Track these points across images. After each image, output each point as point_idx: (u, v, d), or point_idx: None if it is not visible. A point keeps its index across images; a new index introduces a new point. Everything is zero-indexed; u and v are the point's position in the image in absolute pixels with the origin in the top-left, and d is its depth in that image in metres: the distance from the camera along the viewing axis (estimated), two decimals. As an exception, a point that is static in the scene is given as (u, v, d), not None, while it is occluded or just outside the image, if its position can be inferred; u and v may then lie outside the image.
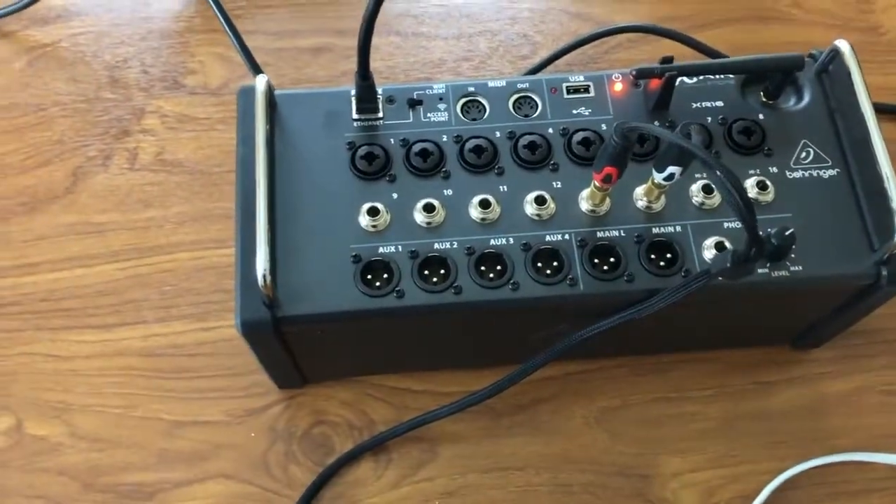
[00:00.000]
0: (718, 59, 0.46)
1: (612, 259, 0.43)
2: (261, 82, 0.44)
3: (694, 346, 0.51)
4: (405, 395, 0.51)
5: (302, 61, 0.61)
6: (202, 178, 0.57)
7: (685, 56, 0.61)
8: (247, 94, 0.45)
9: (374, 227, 0.42)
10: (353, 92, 0.46)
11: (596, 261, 0.42)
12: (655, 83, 0.45)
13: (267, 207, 0.41)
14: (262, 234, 0.40)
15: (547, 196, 0.43)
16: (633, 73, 0.45)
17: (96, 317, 0.52)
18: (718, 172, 0.33)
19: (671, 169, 0.39)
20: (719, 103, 0.46)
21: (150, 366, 0.51)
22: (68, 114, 0.58)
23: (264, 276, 0.39)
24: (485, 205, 0.43)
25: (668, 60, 0.45)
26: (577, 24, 0.63)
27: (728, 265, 0.36)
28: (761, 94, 0.47)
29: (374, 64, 0.61)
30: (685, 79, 0.46)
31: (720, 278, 0.38)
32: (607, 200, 0.43)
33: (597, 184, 0.41)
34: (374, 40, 0.61)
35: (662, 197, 0.43)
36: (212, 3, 0.56)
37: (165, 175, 0.57)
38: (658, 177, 0.40)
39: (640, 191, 0.43)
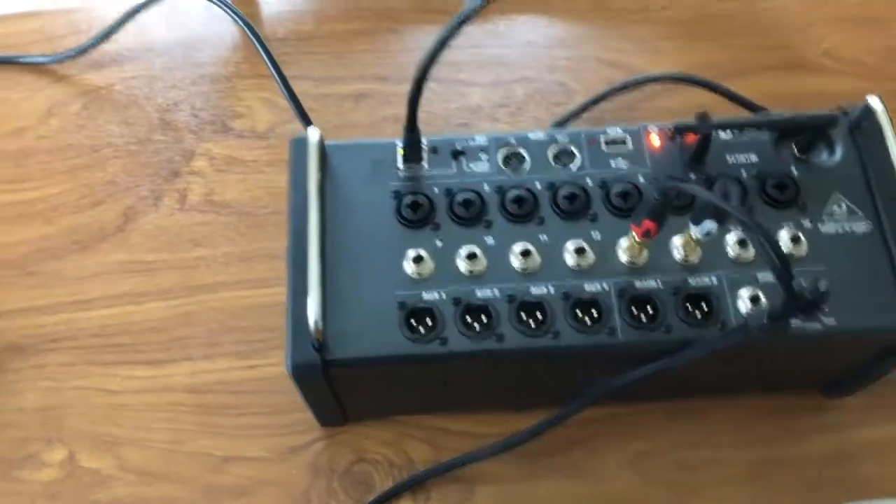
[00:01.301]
0: (753, 116, 0.47)
1: (650, 309, 0.44)
2: (313, 135, 0.46)
3: (726, 390, 0.52)
4: (443, 435, 0.52)
5: (345, 107, 0.63)
6: (249, 219, 0.59)
7: (718, 104, 0.62)
8: (299, 145, 0.47)
9: (418, 274, 0.44)
10: (398, 143, 0.48)
11: (634, 311, 0.44)
12: (692, 137, 0.47)
13: (319, 255, 0.43)
14: (315, 281, 0.42)
15: (586, 246, 0.45)
16: (671, 128, 0.46)
17: (146, 353, 0.54)
18: (758, 236, 0.34)
19: (709, 225, 0.40)
20: (753, 157, 0.48)
21: (197, 402, 0.53)
22: (121, 155, 0.61)
23: (316, 322, 0.41)
24: (526, 254, 0.44)
25: (704, 116, 0.46)
26: (612, 72, 0.65)
27: (765, 322, 0.37)
28: (794, 148, 0.48)
29: (415, 109, 0.63)
30: (721, 133, 0.48)
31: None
32: (645, 251, 0.45)
33: (636, 237, 0.43)
34: (414, 86, 0.64)
35: (699, 248, 0.45)
36: (262, 51, 0.58)
37: (213, 216, 0.59)
38: (695, 231, 0.42)
39: (677, 242, 0.45)
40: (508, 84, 0.64)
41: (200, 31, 0.66)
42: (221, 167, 0.61)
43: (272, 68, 0.58)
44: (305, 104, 0.60)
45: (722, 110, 0.62)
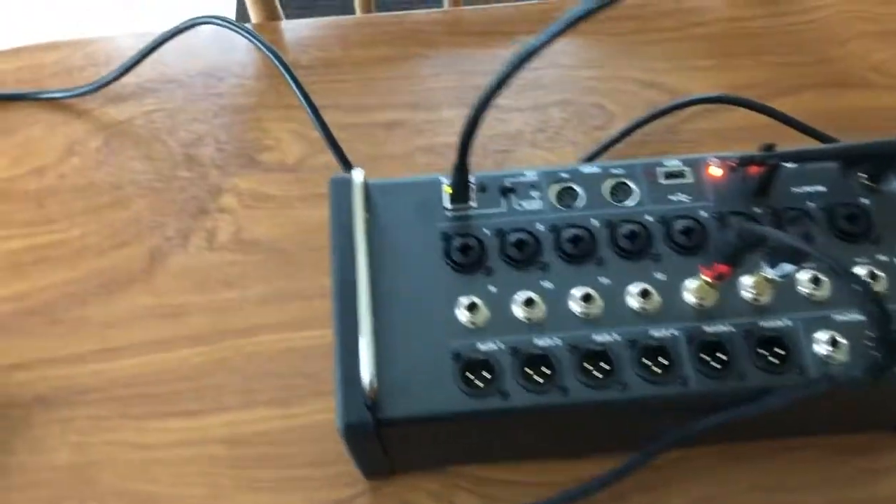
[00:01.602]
0: (822, 147, 0.45)
1: (721, 355, 0.41)
2: (358, 176, 0.43)
3: (797, 432, 0.50)
4: (494, 486, 0.49)
5: (376, 137, 0.60)
6: (281, 258, 0.56)
7: (762, 124, 0.60)
8: (340, 185, 0.45)
9: (473, 322, 0.42)
10: (443, 181, 0.45)
11: (705, 357, 0.41)
12: (756, 168, 0.44)
13: (370, 306, 0.40)
14: (367, 335, 0.40)
15: (651, 289, 0.42)
16: (736, 160, 0.44)
17: (179, 403, 0.52)
18: (855, 285, 0.32)
19: (787, 268, 0.38)
20: (820, 187, 0.45)
21: (234, 454, 0.50)
22: (145, 193, 0.58)
23: (371, 381, 0.39)
24: (587, 299, 0.42)
25: (769, 147, 0.44)
26: (650, 92, 0.62)
27: (859, 375, 0.35)
28: (863, 176, 0.46)
29: (451, 139, 0.60)
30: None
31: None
32: (714, 292, 0.42)
33: (707, 279, 0.40)
34: (449, 113, 0.61)
35: (770, 288, 0.42)
36: (291, 81, 0.56)
37: (243, 255, 0.56)
38: (771, 273, 0.39)
39: (747, 282, 0.42)
40: (546, 108, 0.62)
41: (221, 60, 0.63)
42: (250, 203, 0.58)
43: (303, 99, 0.56)
44: (335, 134, 0.58)
45: (767, 131, 0.60)
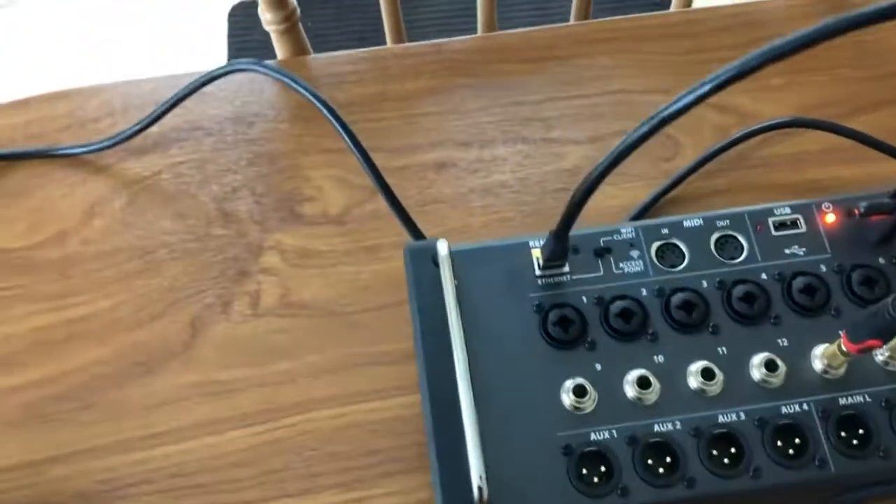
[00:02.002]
0: (956, 188, 0.40)
1: (860, 430, 0.37)
2: (443, 248, 0.39)
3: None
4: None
5: (426, 179, 0.55)
6: (334, 321, 0.51)
7: (842, 146, 0.55)
8: (416, 255, 0.40)
9: (580, 408, 0.37)
10: (531, 243, 0.40)
11: (843, 434, 0.37)
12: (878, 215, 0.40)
13: (471, 397, 0.36)
14: (473, 434, 0.35)
15: (776, 359, 0.38)
16: (862, 209, 0.39)
17: (235, 492, 0.47)
18: None
19: (945, 338, 0.34)
20: (949, 231, 0.41)
21: (302, 548, 0.46)
22: (178, 256, 0.53)
23: (480, 487, 0.34)
24: (708, 375, 0.37)
25: (898, 193, 0.39)
26: (720, 117, 0.58)
27: None
28: None
29: (507, 177, 0.56)
30: (904, 203, 0.41)
31: None
32: (844, 359, 0.38)
33: (845, 348, 0.36)
34: (503, 150, 0.57)
35: (908, 352, 0.38)
36: (335, 122, 0.50)
37: (292, 319, 0.51)
38: (920, 341, 0.35)
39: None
40: (606, 139, 0.57)
41: (250, 103, 0.58)
42: (295, 261, 0.53)
43: (351, 143, 0.50)
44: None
45: (847, 154, 0.56)
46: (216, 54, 1.60)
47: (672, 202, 0.54)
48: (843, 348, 0.36)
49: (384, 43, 0.80)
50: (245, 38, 1.46)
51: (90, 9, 1.70)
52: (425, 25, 1.52)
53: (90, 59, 1.63)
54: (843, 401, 0.37)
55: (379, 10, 0.75)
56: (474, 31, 0.76)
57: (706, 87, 0.27)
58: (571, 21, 0.74)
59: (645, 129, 0.29)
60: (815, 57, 0.59)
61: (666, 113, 0.29)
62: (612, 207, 0.54)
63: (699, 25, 0.61)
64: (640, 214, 0.52)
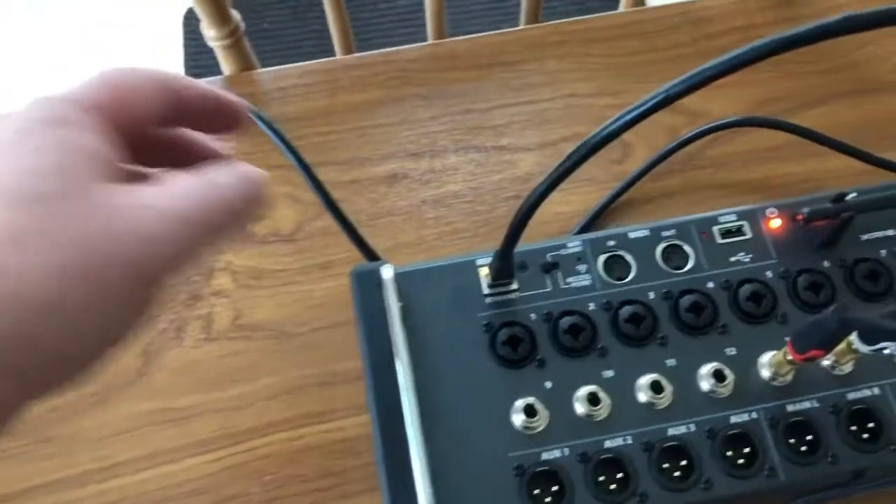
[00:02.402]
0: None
1: (808, 436, 0.37)
2: (387, 272, 0.38)
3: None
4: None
5: (378, 193, 0.55)
6: (288, 342, 0.51)
7: (791, 142, 0.56)
8: (362, 279, 0.40)
9: (532, 428, 0.37)
10: (478, 260, 0.40)
11: (792, 441, 0.37)
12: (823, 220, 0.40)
13: (419, 423, 0.35)
14: (420, 459, 0.35)
15: (724, 368, 0.38)
16: (805, 215, 0.39)
17: (194, 521, 0.46)
18: None
19: (886, 345, 0.34)
20: (891, 232, 0.41)
21: (264, 574, 0.45)
22: (128, 281, 0.52)
23: (429, 517, 0.34)
24: (655, 387, 0.37)
25: (840, 198, 0.39)
26: (669, 117, 0.58)
27: None
28: (933, 213, 0.42)
29: (459, 187, 0.55)
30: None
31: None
32: (791, 365, 0.38)
33: (790, 357, 0.36)
34: (454, 159, 0.56)
35: (853, 357, 0.38)
36: (279, 142, 0.50)
37: (245, 342, 0.51)
38: (865, 348, 0.35)
39: (827, 351, 0.38)
40: (557, 144, 0.57)
41: (198, 120, 0.57)
42: (247, 282, 0.52)
43: (295, 160, 0.50)
44: (332, 195, 0.52)
45: (796, 150, 0.56)
46: (172, 59, 1.58)
47: (624, 205, 0.54)
48: (789, 357, 0.36)
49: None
50: (201, 41, 1.45)
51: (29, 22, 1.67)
52: (381, 23, 1.51)
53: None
54: (791, 407, 0.37)
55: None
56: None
57: (629, 116, 0.27)
58: (522, 24, 0.73)
59: (576, 156, 0.29)
60: (762, 53, 0.59)
61: (596, 139, 0.28)
62: (564, 214, 0.54)
63: (647, 25, 0.61)
64: (590, 223, 0.52)
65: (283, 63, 0.62)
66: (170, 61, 1.56)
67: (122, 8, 1.67)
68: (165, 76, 0.28)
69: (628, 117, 0.28)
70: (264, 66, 0.64)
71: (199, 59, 1.50)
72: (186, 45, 1.54)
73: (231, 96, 0.31)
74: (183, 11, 1.58)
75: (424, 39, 0.75)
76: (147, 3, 1.64)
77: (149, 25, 1.62)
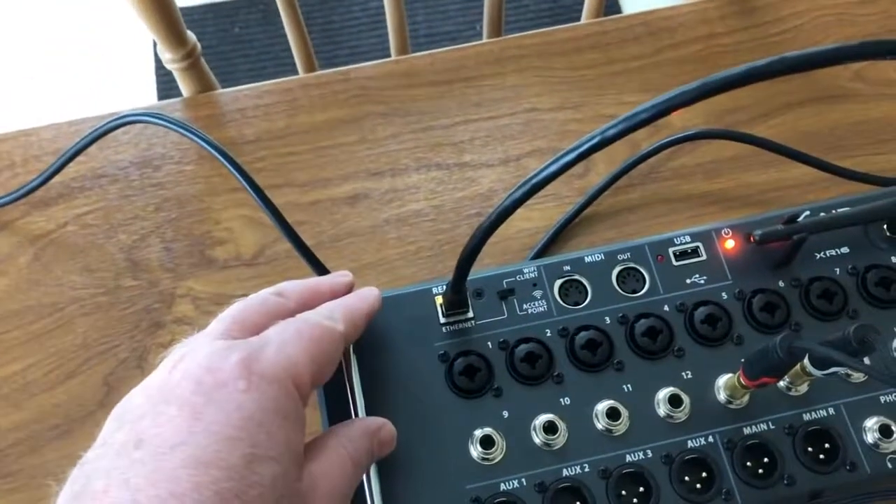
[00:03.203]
0: (847, 211, 0.41)
1: (765, 459, 0.37)
2: (338, 308, 0.38)
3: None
4: None
5: (340, 213, 0.55)
6: (252, 368, 0.50)
7: (750, 152, 0.56)
8: (316, 312, 0.39)
9: (489, 459, 0.37)
10: (435, 290, 0.40)
11: (748, 464, 0.37)
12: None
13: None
14: (377, 499, 0.35)
15: (680, 392, 0.38)
16: (757, 237, 0.39)
17: (160, 553, 0.46)
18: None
19: (836, 368, 0.34)
20: (844, 249, 0.41)
21: None
22: (89, 310, 0.52)
23: (385, 555, 0.34)
24: (613, 415, 0.37)
25: (792, 219, 0.39)
26: (630, 129, 0.58)
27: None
28: (885, 229, 0.42)
29: (421, 205, 0.55)
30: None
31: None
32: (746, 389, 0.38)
33: (745, 384, 0.36)
34: (416, 177, 0.56)
35: (808, 379, 0.38)
36: (228, 164, 0.49)
37: (210, 369, 0.50)
38: (816, 372, 0.35)
39: (782, 373, 0.38)
40: (519, 160, 0.57)
41: (155, 145, 0.57)
42: (210, 308, 0.52)
43: (250, 188, 0.49)
44: (293, 217, 0.52)
45: (755, 160, 0.56)
46: (143, 69, 1.57)
47: (587, 220, 0.54)
48: (742, 382, 0.36)
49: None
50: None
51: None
52: (353, 26, 1.50)
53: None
54: (747, 430, 0.38)
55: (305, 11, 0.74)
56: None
57: (570, 156, 0.27)
58: (484, 38, 0.73)
59: (518, 194, 0.29)
60: (722, 62, 0.59)
61: (536, 179, 0.28)
62: (527, 230, 0.54)
63: (607, 37, 0.61)
64: (551, 241, 0.52)
65: (255, 68, 0.62)
66: (141, 69, 1.55)
67: (123, 8, 1.65)
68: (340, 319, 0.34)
69: (568, 158, 0.27)
70: (235, 71, 0.64)
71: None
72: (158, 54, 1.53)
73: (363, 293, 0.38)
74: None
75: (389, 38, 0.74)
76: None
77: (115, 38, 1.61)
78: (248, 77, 1.38)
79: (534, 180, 0.29)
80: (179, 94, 0.62)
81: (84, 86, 1.57)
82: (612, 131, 0.26)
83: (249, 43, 1.45)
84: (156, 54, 1.53)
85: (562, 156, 0.28)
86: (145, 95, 1.51)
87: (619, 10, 1.25)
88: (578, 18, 0.73)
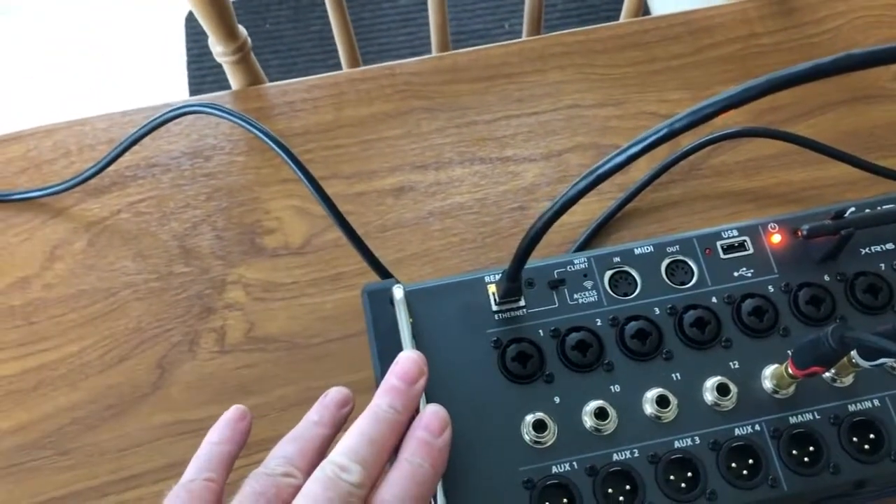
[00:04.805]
0: (894, 207, 0.41)
1: (810, 448, 0.38)
2: (398, 293, 0.39)
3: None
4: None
5: (385, 205, 0.56)
6: (300, 353, 0.52)
7: (790, 151, 0.57)
8: (374, 297, 0.41)
9: (541, 442, 0.38)
10: (487, 279, 0.41)
11: (794, 452, 0.38)
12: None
13: (429, 442, 0.36)
14: (433, 480, 0.36)
15: (728, 382, 0.39)
16: (805, 232, 0.40)
17: (212, 531, 0.47)
18: None
19: (885, 359, 0.35)
20: (890, 245, 0.42)
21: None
22: (142, 296, 0.53)
23: (443, 531, 0.35)
24: (661, 402, 0.38)
25: (839, 215, 0.40)
26: (671, 126, 0.58)
27: None
28: (932, 226, 0.43)
29: (464, 198, 0.56)
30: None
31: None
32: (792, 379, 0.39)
33: (793, 374, 0.37)
34: (460, 171, 0.57)
35: (854, 370, 0.39)
36: (286, 158, 0.50)
37: (260, 354, 0.52)
38: (864, 363, 0.36)
39: (828, 364, 0.39)
40: (561, 155, 0.58)
41: (207, 136, 0.58)
42: (259, 295, 0.53)
43: (305, 178, 0.51)
44: (340, 208, 0.53)
45: (795, 158, 0.57)
46: (174, 60, 1.58)
47: (627, 215, 0.56)
48: (790, 372, 0.37)
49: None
50: (204, 42, 1.45)
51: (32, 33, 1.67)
52: (383, 23, 1.51)
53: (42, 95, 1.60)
54: (793, 419, 0.38)
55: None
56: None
57: (636, 148, 0.28)
58: (524, 36, 0.74)
59: (583, 184, 0.30)
60: (762, 62, 0.60)
61: (601, 170, 0.29)
62: (568, 224, 0.55)
63: (648, 35, 0.62)
64: (593, 234, 0.53)
65: (285, 63, 0.63)
66: (172, 62, 1.57)
67: (123, 8, 1.67)
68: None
69: (634, 150, 0.28)
70: (266, 66, 0.65)
71: (202, 60, 1.51)
72: (189, 46, 1.55)
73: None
74: (185, 12, 1.58)
75: (426, 39, 0.76)
76: (148, 2, 1.65)
77: (150, 26, 1.63)
78: (278, 73, 1.40)
79: (599, 171, 0.30)
80: (209, 90, 0.63)
81: (84, 86, 1.58)
82: (679, 124, 0.27)
83: (280, 39, 1.47)
84: (187, 45, 1.55)
85: (628, 147, 0.29)
86: (145, 95, 1.52)
87: (647, 12, 1.25)
88: (606, 18, 0.74)
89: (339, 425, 0.37)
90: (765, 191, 0.56)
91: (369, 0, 1.53)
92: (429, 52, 0.76)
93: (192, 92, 1.49)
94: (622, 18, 0.72)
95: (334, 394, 0.39)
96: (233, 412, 0.39)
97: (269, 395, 0.51)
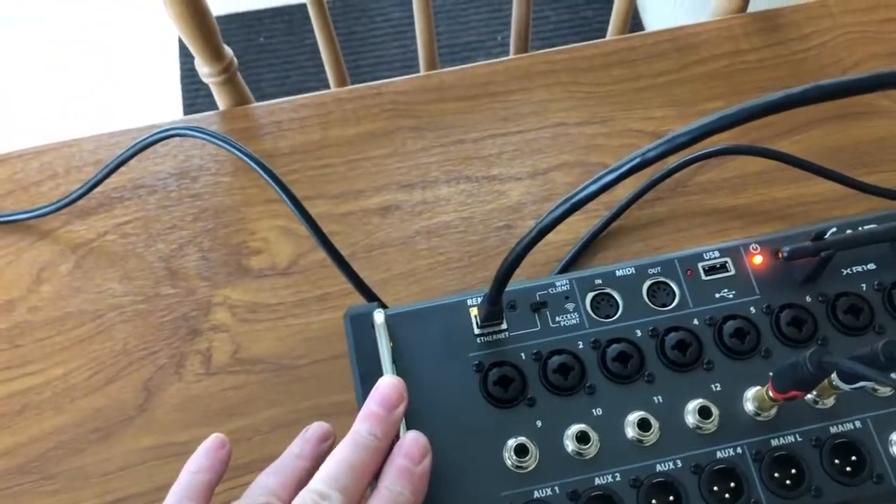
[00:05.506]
0: (874, 228, 0.42)
1: (792, 470, 0.38)
2: (379, 317, 0.39)
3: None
4: None
5: (371, 224, 0.56)
6: (286, 374, 0.52)
7: (775, 167, 0.57)
8: (356, 321, 0.41)
9: (523, 467, 0.38)
10: (469, 301, 0.41)
11: (776, 475, 0.38)
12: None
13: (410, 469, 0.36)
14: None
15: (710, 405, 0.39)
16: (785, 254, 0.40)
17: (197, 555, 0.47)
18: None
19: (864, 383, 0.35)
20: (871, 266, 0.42)
21: None
22: (128, 318, 0.53)
23: (423, 559, 0.35)
24: (643, 425, 0.38)
25: (820, 236, 0.40)
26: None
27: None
28: (913, 246, 0.43)
29: (451, 217, 0.56)
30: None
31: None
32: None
33: (774, 397, 0.37)
34: (446, 190, 0.57)
35: (835, 393, 0.39)
36: (269, 180, 0.50)
37: (245, 376, 0.52)
38: (843, 386, 0.36)
39: (809, 386, 0.39)
40: (547, 173, 0.58)
41: (193, 157, 0.58)
42: (245, 316, 0.53)
43: (285, 197, 0.50)
44: (326, 228, 0.53)
45: (780, 175, 0.57)
46: (170, 59, 1.59)
47: (613, 233, 0.56)
48: (770, 395, 0.37)
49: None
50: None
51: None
52: (375, 37, 1.51)
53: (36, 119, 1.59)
54: (775, 442, 0.38)
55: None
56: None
57: (610, 177, 0.28)
58: (511, 52, 0.74)
59: (558, 212, 0.30)
60: (748, 78, 0.60)
61: (576, 199, 0.29)
62: (553, 243, 0.55)
63: (634, 53, 0.62)
64: (578, 254, 0.53)
65: (278, 77, 0.63)
66: (168, 61, 1.57)
67: (123, 8, 1.68)
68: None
69: (608, 178, 0.29)
70: (259, 80, 0.65)
71: (196, 76, 1.51)
72: (183, 46, 1.56)
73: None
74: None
75: (418, 53, 0.76)
76: (148, 3, 1.65)
77: (150, 26, 1.63)
78: (272, 87, 1.40)
79: (573, 199, 0.30)
80: (205, 107, 0.64)
81: (84, 86, 1.59)
82: (652, 153, 0.27)
83: (274, 52, 1.47)
84: (181, 44, 1.56)
85: (601, 176, 0.29)
86: (145, 95, 1.53)
87: (641, 27, 1.26)
88: (599, 30, 0.74)
89: (321, 459, 0.37)
90: (750, 208, 0.56)
91: (362, 13, 1.54)
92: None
93: (188, 96, 1.49)
94: (609, 36, 0.73)
95: (315, 428, 0.39)
96: (211, 441, 0.39)
97: (255, 416, 0.51)
